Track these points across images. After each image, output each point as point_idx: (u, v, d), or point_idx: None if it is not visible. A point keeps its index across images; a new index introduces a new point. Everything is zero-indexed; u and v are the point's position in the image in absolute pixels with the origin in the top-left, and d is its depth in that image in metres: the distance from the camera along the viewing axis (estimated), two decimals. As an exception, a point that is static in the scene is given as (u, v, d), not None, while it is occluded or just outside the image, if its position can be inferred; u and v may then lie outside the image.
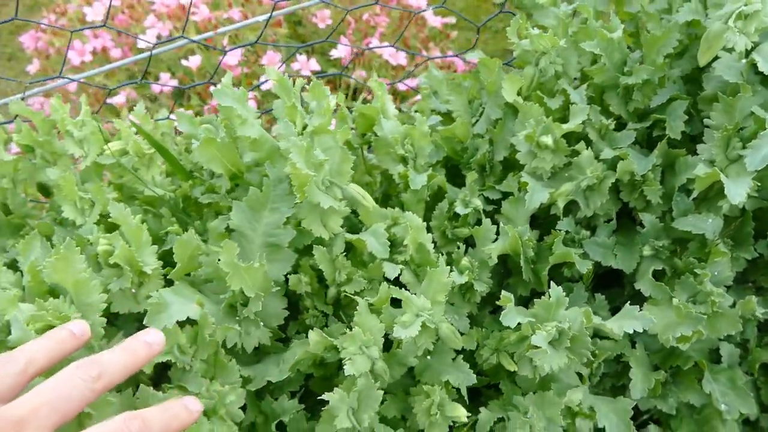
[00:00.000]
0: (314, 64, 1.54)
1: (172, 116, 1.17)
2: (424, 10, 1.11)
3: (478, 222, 0.94)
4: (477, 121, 1.03)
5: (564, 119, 0.92)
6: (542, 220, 0.98)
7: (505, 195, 0.95)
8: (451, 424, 0.83)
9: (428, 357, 0.87)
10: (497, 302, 0.82)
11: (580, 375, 0.91)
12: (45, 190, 1.05)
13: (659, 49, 0.89)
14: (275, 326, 0.89)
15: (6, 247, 0.96)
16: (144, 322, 0.69)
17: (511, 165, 1.03)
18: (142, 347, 0.62)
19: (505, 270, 0.99)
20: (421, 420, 0.82)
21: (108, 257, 0.75)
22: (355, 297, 0.82)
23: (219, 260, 0.77)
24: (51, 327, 0.68)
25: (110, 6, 1.05)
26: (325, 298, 0.92)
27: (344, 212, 0.86)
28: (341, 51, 1.56)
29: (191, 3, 1.34)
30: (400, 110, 1.16)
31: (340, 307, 0.94)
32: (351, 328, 0.87)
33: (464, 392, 0.83)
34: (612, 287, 1.01)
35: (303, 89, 0.89)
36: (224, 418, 0.72)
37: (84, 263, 0.69)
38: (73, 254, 0.68)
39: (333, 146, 0.81)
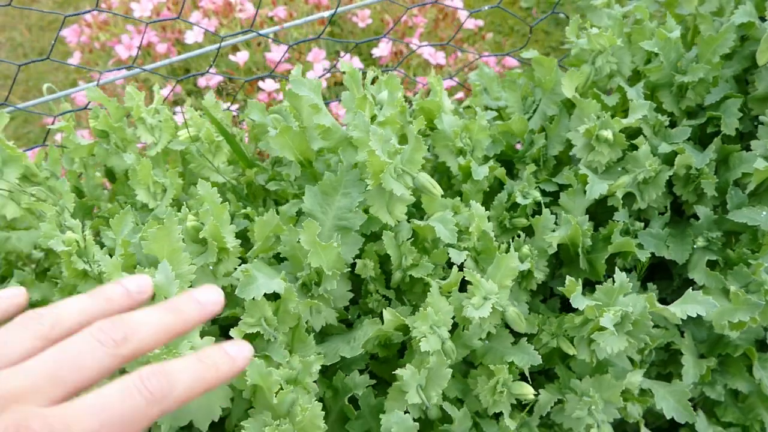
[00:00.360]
0: (357, 63, 1.58)
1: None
2: (478, 10, 1.14)
3: (535, 213, 0.98)
4: (530, 117, 1.07)
5: (616, 116, 0.96)
6: (594, 212, 1.02)
7: (562, 187, 0.98)
8: (514, 402, 0.87)
9: (487, 341, 0.91)
10: (559, 288, 0.86)
11: (631, 360, 0.95)
12: (111, 175, 1.09)
13: (715, 49, 0.93)
14: (341, 308, 0.93)
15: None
16: (236, 293, 0.73)
17: (561, 160, 1.08)
18: (191, 306, 0.48)
19: (557, 260, 1.03)
20: (485, 398, 0.86)
21: (196, 233, 0.79)
22: (428, 279, 0.85)
23: (299, 240, 0.81)
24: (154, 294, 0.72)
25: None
26: (389, 283, 0.95)
27: (410, 200, 0.90)
28: (383, 50, 1.61)
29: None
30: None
31: (402, 292, 0.97)
32: (415, 312, 0.92)
33: (527, 373, 0.87)
34: (660, 279, 1.04)
35: (373, 81, 0.93)
36: (307, 388, 0.76)
37: (181, 234, 0.73)
38: (173, 225, 0.72)
39: (406, 136, 0.84)
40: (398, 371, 0.80)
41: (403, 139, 0.96)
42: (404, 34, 1.80)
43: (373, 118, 0.91)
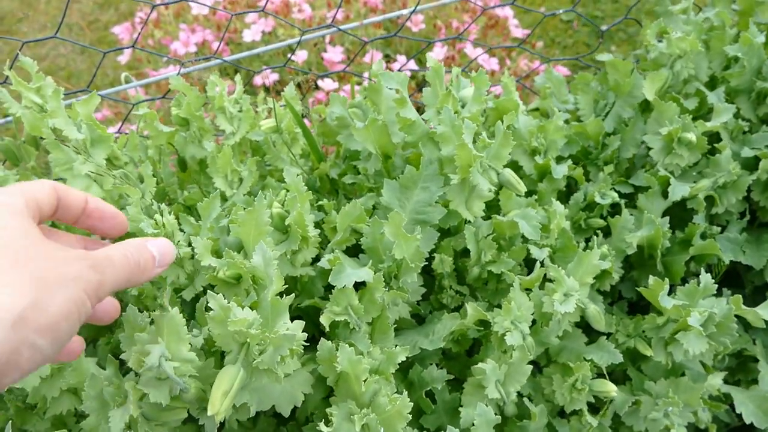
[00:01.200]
0: (413, 65, 1.59)
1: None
2: (553, 14, 1.15)
3: (609, 214, 0.98)
4: (602, 120, 1.07)
5: (697, 120, 0.96)
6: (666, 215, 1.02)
7: (637, 188, 0.99)
8: (590, 401, 0.86)
9: (560, 339, 0.91)
10: (639, 288, 0.86)
11: (703, 365, 0.94)
12: (182, 164, 1.10)
13: (797, 56, 0.94)
14: (413, 302, 0.93)
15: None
16: (329, 280, 0.74)
17: (633, 163, 1.08)
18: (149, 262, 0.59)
19: (626, 263, 1.03)
20: (562, 396, 0.86)
21: (281, 220, 0.80)
22: (510, 275, 0.86)
23: (382, 231, 0.81)
24: (240, 276, 0.73)
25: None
26: (460, 279, 0.96)
27: (489, 197, 0.90)
28: (437, 53, 1.62)
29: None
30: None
31: (475, 289, 0.98)
32: (491, 308, 0.92)
33: (605, 372, 0.87)
34: (729, 286, 1.04)
35: (452, 76, 0.94)
36: (390, 379, 0.76)
37: (269, 218, 0.74)
38: (262, 208, 0.73)
39: (497, 130, 0.85)
40: (479, 365, 0.80)
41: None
42: (455, 40, 1.81)
43: (456, 113, 0.92)
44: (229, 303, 0.66)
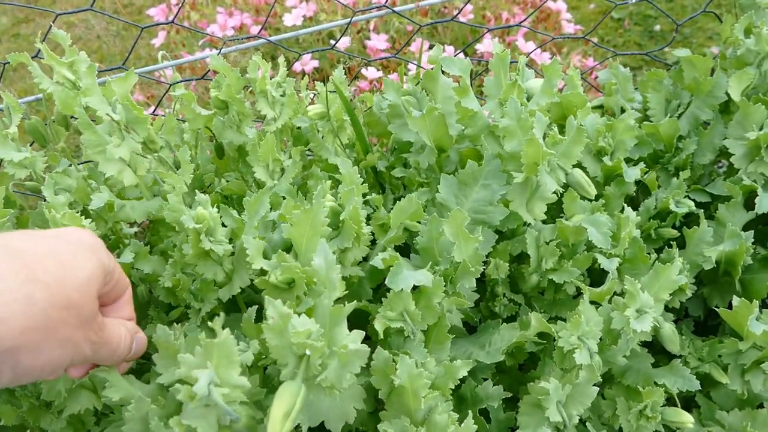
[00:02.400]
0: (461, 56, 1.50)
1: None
2: (624, 3, 1.07)
3: (683, 223, 0.90)
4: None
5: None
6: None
7: (714, 198, 0.90)
8: (659, 430, 0.78)
9: (626, 359, 0.83)
10: (718, 308, 0.78)
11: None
12: (220, 150, 1.04)
13: None
14: (466, 309, 0.86)
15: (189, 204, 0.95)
16: (386, 283, 0.67)
17: (707, 169, 0.99)
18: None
19: (696, 278, 0.94)
20: (628, 422, 0.78)
21: (335, 215, 0.73)
22: (574, 284, 0.78)
23: (442, 230, 0.74)
24: (293, 280, 0.66)
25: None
26: (518, 285, 0.88)
27: (552, 199, 0.82)
28: (487, 45, 1.54)
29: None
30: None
31: (530, 298, 0.90)
32: (550, 320, 0.84)
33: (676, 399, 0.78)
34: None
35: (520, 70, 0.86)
36: (446, 395, 0.68)
37: (326, 219, 0.67)
38: (319, 208, 0.66)
39: (569, 126, 0.77)
40: (541, 384, 0.72)
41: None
42: (504, 32, 1.72)
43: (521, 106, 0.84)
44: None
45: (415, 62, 1.12)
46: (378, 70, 1.45)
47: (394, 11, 1.01)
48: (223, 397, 0.55)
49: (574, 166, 1.00)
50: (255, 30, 1.70)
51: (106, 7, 3.01)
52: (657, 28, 2.36)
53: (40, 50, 0.83)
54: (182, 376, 0.57)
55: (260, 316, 0.70)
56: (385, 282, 0.67)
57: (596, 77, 1.29)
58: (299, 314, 0.57)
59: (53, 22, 0.89)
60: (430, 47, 1.74)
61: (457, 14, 1.12)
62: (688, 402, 0.89)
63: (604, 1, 2.57)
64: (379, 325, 0.68)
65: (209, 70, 0.96)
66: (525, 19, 1.12)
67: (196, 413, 0.56)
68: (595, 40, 1.91)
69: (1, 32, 2.96)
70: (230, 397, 0.56)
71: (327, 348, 0.57)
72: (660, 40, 2.29)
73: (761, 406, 0.83)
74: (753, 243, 0.87)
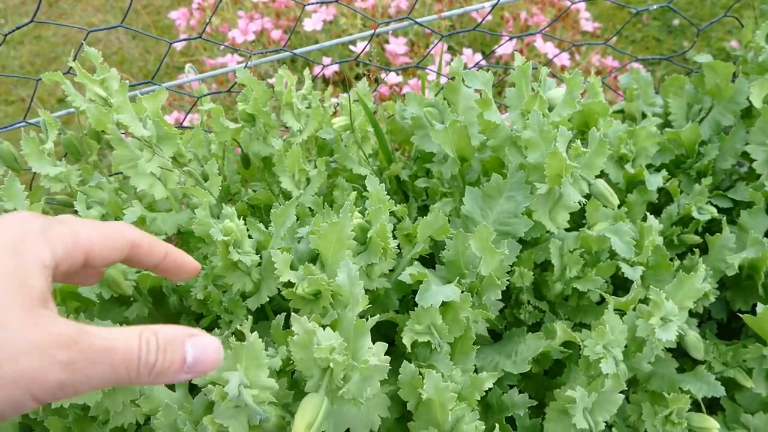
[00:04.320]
0: (479, 58, 1.52)
1: (334, 100, 1.16)
2: (646, 9, 1.07)
3: (705, 229, 0.91)
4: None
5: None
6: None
7: (736, 203, 0.91)
8: (683, 436, 0.79)
9: (650, 365, 0.84)
10: (742, 314, 0.79)
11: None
12: (246, 161, 1.06)
13: None
14: (493, 317, 0.87)
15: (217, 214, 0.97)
16: (416, 299, 0.68)
17: (728, 174, 1.00)
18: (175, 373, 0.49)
19: (720, 282, 0.95)
20: (654, 428, 0.79)
21: (363, 232, 0.75)
22: (601, 293, 0.79)
23: (468, 244, 0.75)
24: (319, 292, 0.68)
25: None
26: (543, 292, 0.89)
27: (575, 208, 0.83)
28: (506, 47, 1.54)
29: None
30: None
31: (554, 305, 0.91)
32: (575, 327, 0.85)
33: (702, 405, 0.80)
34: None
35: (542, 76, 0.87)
36: (473, 405, 0.70)
37: (353, 232, 0.69)
38: (346, 221, 0.67)
39: (591, 138, 0.78)
40: (568, 393, 0.73)
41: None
42: (522, 32, 1.73)
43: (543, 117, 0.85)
44: (309, 323, 0.61)
45: (434, 70, 1.13)
46: (398, 74, 1.46)
47: (416, 22, 1.02)
48: (252, 397, 0.58)
49: (596, 176, 1.02)
50: (275, 34, 1.71)
51: (124, 6, 3.04)
52: (675, 22, 2.34)
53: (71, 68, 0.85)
54: (214, 378, 0.59)
55: (288, 323, 0.72)
56: (415, 299, 0.68)
57: (616, 77, 1.29)
58: (324, 327, 0.60)
59: (84, 40, 0.91)
60: (450, 49, 1.75)
61: (478, 25, 1.13)
62: (713, 404, 0.90)
63: (621, -4, 2.56)
64: (407, 339, 0.70)
65: (235, 83, 0.98)
66: (545, 28, 1.12)
67: (227, 413, 0.59)
68: (614, 39, 1.91)
69: (23, 34, 3.00)
70: (259, 398, 0.60)
71: (351, 360, 0.59)
72: (679, 34, 2.28)
73: (786, 410, 0.84)
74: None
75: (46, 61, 2.85)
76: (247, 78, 0.94)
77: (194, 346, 0.49)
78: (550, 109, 0.88)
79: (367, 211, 0.75)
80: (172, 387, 0.68)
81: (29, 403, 0.42)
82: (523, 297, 0.89)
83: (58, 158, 0.89)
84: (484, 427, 0.68)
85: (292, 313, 0.58)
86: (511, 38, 1.08)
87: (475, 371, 0.78)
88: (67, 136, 0.92)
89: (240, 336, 0.60)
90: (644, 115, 1.05)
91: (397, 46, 1.56)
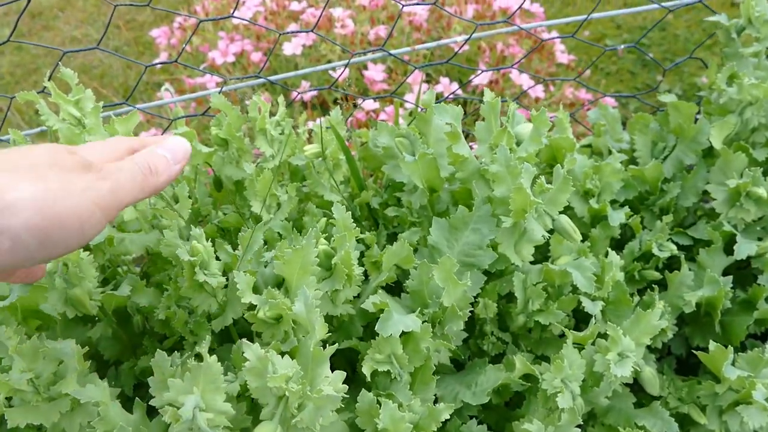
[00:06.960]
0: (455, 87, 1.54)
1: (311, 124, 1.17)
2: (614, 47, 1.10)
3: (666, 265, 0.93)
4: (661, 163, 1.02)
5: (766, 172, 0.91)
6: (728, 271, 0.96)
7: (696, 241, 0.93)
8: (638, 471, 0.81)
9: (608, 399, 0.85)
10: (696, 352, 0.80)
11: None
12: (218, 184, 1.06)
13: None
14: (454, 348, 0.88)
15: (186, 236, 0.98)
16: (376, 328, 0.69)
17: (691, 211, 1.02)
18: (164, 166, 0.60)
19: (679, 318, 0.97)
20: (610, 462, 0.80)
21: (327, 259, 0.76)
22: (561, 328, 0.80)
23: (431, 275, 0.77)
24: (281, 316, 0.69)
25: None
26: (507, 323, 0.91)
27: (540, 242, 0.85)
28: (482, 77, 1.57)
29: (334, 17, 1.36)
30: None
31: (518, 336, 0.93)
32: (535, 361, 0.86)
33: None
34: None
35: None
36: (432, 437, 0.71)
37: (317, 258, 0.70)
38: (310, 248, 0.68)
39: (556, 174, 0.80)
40: (525, 426, 0.75)
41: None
42: (498, 63, 1.76)
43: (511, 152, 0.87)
44: (268, 347, 0.62)
45: (410, 101, 1.15)
46: (375, 101, 1.48)
47: (391, 54, 1.04)
48: (207, 421, 0.59)
49: (560, 211, 1.04)
50: (255, 56, 1.73)
51: (106, 21, 3.04)
52: (650, 56, 2.39)
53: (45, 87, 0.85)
54: (171, 399, 0.60)
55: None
56: (375, 328, 0.69)
57: (588, 109, 1.32)
58: (283, 354, 0.60)
59: (60, 61, 0.91)
60: (428, 77, 1.77)
61: (452, 57, 1.15)
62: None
63: (597, 29, 2.61)
64: (366, 368, 0.71)
65: (209, 107, 0.99)
66: (520, 60, 1.15)
67: (180, 438, 0.59)
68: (588, 73, 1.95)
69: (4, 45, 2.99)
70: (214, 422, 0.60)
71: (306, 389, 0.59)
72: (653, 68, 2.33)
73: (739, 446, 0.85)
74: (732, 287, 0.90)
75: (26, 72, 2.85)
76: (221, 103, 0.95)
77: (164, 148, 0.61)
78: (518, 143, 0.90)
79: (333, 237, 0.76)
80: (129, 409, 0.68)
81: (95, 213, 0.51)
82: (486, 328, 0.90)
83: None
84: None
85: (244, 340, 0.59)
86: (482, 71, 1.10)
87: (435, 401, 0.79)
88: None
89: (200, 358, 0.61)
90: (610, 152, 1.08)
91: (375, 72, 1.58)
